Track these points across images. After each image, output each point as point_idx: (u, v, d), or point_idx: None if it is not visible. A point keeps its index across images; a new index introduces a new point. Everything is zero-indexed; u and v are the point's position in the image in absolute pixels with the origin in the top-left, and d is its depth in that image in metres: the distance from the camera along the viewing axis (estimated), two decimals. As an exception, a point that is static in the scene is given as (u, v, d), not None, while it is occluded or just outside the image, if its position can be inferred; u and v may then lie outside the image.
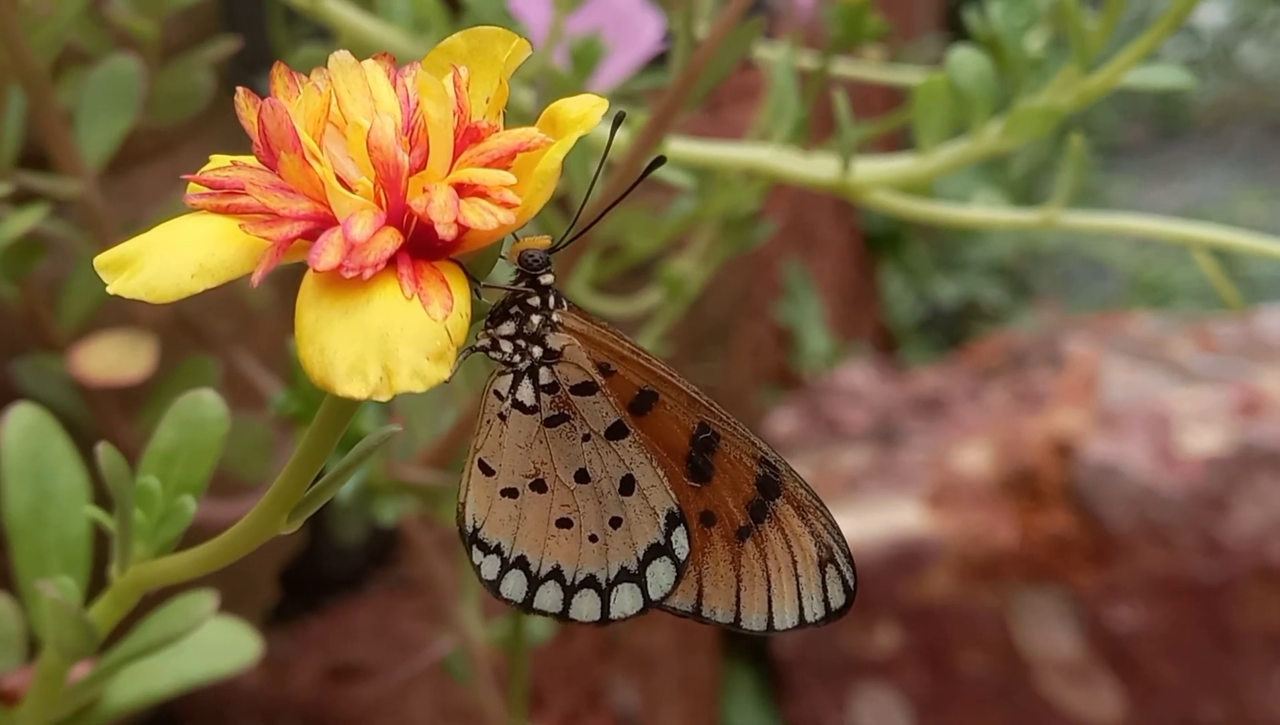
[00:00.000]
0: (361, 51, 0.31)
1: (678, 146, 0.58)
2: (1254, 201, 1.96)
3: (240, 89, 0.28)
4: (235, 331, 0.64)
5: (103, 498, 0.40)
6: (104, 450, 0.35)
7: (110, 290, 0.27)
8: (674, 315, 0.73)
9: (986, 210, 0.55)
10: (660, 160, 0.31)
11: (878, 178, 0.55)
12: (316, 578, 0.85)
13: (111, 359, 0.56)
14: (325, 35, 0.65)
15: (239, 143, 0.28)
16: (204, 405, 0.38)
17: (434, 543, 0.67)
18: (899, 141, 1.48)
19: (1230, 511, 1.10)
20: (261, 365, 0.62)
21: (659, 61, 0.64)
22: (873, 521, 1.19)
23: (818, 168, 0.56)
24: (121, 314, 0.58)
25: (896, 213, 0.56)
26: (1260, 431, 1.11)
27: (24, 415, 0.41)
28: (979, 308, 1.84)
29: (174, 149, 0.65)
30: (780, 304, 1.44)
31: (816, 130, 0.60)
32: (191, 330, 0.60)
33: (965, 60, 0.52)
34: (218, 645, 0.45)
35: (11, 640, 0.44)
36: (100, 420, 0.59)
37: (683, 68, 0.52)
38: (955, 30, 1.85)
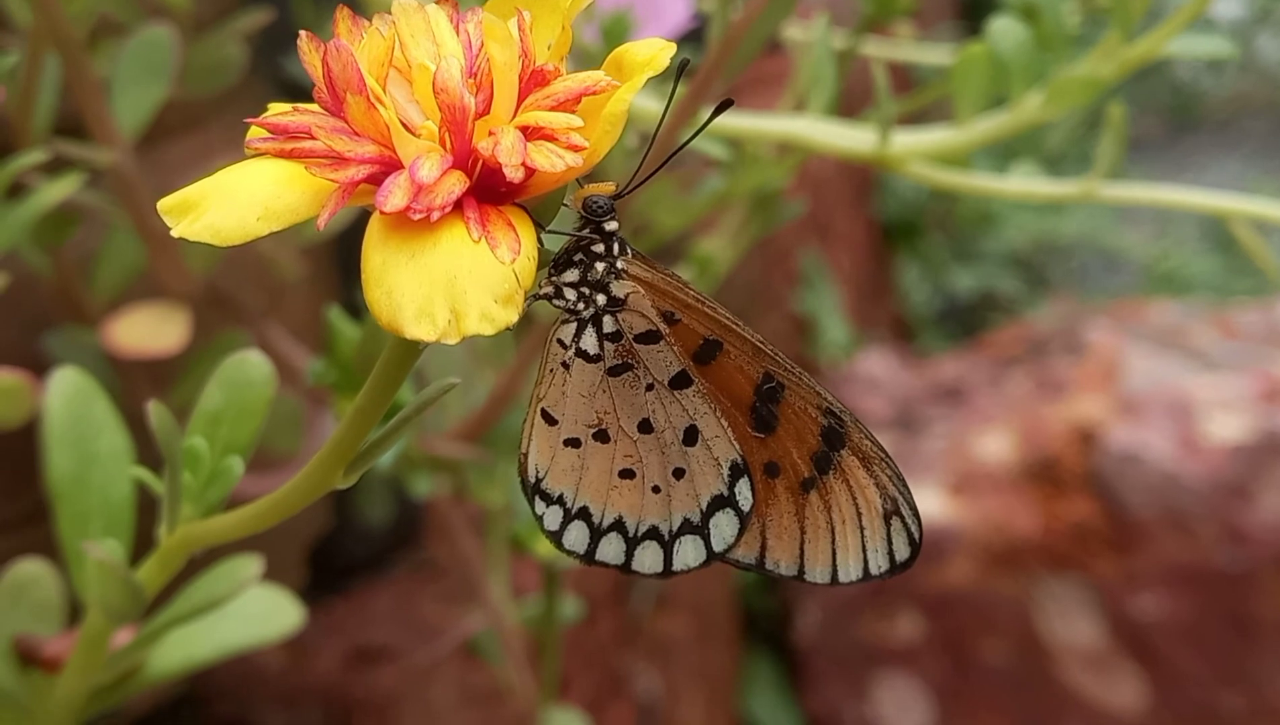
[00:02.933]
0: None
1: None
2: (1268, 195, 1.95)
3: (303, 32, 0.28)
4: (265, 306, 0.64)
5: (144, 463, 0.39)
6: (154, 408, 0.34)
7: (174, 234, 0.26)
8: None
9: (1024, 181, 0.55)
10: (729, 102, 0.31)
11: (916, 149, 0.55)
12: (339, 560, 0.84)
13: (144, 331, 0.55)
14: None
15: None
16: (250, 366, 0.38)
17: (465, 521, 0.67)
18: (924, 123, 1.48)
19: (1252, 499, 1.10)
20: (292, 339, 0.61)
21: (687, 40, 0.64)
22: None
23: (855, 139, 0.55)
24: (153, 287, 0.58)
25: (934, 184, 0.56)
26: (1283, 419, 1.10)
27: (67, 379, 0.41)
28: (995, 299, 1.83)
29: (202, 124, 0.65)
30: (798, 293, 1.43)
31: (843, 111, 0.60)
32: (222, 304, 0.59)
33: (1006, 29, 0.52)
34: (260, 613, 0.45)
35: (50, 606, 0.44)
36: (131, 393, 0.58)
37: (720, 38, 0.52)
38: (970, 18, 1.85)
